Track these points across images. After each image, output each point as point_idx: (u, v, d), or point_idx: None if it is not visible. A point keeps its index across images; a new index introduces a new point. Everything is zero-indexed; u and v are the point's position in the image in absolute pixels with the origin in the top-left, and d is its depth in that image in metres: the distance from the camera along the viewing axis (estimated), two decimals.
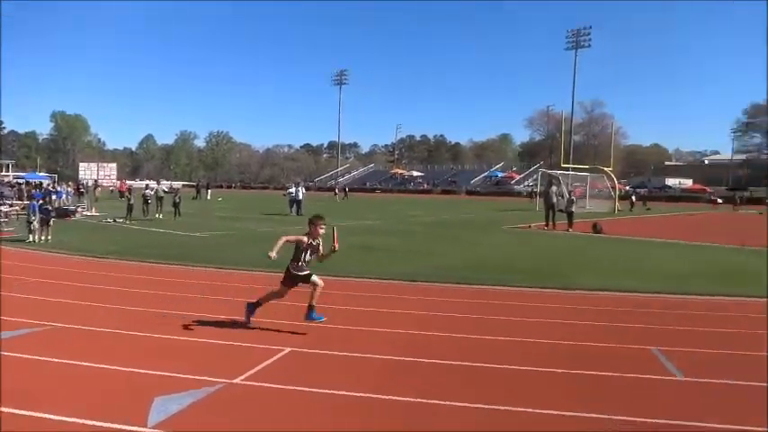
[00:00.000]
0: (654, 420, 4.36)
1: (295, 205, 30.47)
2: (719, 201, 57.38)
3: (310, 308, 6.74)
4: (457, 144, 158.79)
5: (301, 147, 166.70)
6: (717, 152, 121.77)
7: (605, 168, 46.26)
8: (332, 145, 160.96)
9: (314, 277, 6.73)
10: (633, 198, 47.46)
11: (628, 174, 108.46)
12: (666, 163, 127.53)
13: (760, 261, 14.89)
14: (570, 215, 24.15)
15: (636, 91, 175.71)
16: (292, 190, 31.66)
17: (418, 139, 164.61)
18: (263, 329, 6.82)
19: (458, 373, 5.45)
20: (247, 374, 5.19)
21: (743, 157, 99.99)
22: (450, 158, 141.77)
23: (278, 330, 6.81)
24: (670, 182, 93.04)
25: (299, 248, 6.72)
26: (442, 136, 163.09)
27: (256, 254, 12.79)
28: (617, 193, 45.25)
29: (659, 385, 5.28)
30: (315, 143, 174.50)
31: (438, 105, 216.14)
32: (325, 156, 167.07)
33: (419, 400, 4.68)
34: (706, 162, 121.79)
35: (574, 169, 45.98)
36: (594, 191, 46.76)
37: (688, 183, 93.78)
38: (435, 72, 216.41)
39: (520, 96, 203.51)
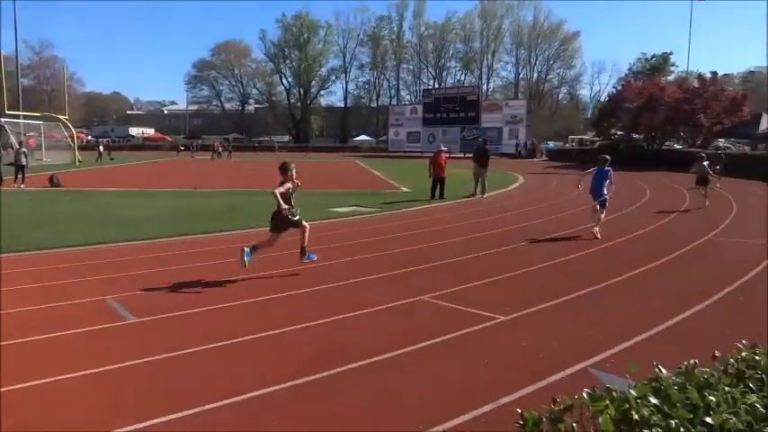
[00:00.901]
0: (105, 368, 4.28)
1: None
2: (182, 148, 61.22)
3: (303, 250, 7.62)
4: None
5: None
6: (175, 102, 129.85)
7: (60, 116, 42.91)
8: None
9: (303, 221, 7.53)
10: (101, 148, 45.72)
11: (91, 122, 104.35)
12: (129, 112, 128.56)
13: (210, 201, 16.81)
14: (21, 168, 21.48)
15: (91, 35, 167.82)
16: None
17: None
18: None
19: None
20: None
21: (196, 107, 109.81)
22: None
23: None
24: (133, 131, 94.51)
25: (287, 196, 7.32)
26: None
27: None
28: (76, 142, 42.92)
29: (114, 331, 5.33)
30: None
31: None
32: None
33: None
34: (165, 112, 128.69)
35: (24, 117, 40.89)
36: (52, 141, 42.99)
37: (150, 131, 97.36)
38: None
39: None
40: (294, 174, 7.44)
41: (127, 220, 12.66)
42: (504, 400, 3.81)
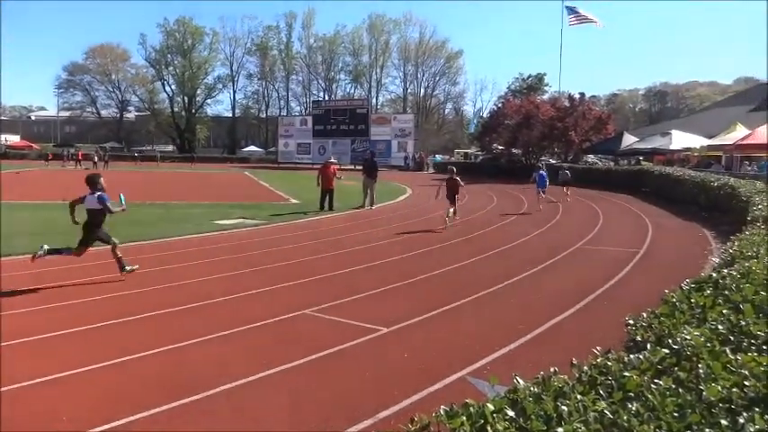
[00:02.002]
0: None
1: None
2: (51, 157, 56.94)
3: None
4: None
5: None
6: (44, 108, 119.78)
7: None
8: None
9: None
10: None
11: None
12: None
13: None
14: None
15: None
16: None
17: None
18: None
19: None
20: None
21: (68, 114, 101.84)
22: None
23: None
24: None
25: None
26: None
27: None
28: None
29: None
30: None
31: None
32: None
33: None
34: (33, 118, 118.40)
35: None
36: None
37: (15, 139, 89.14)
38: None
39: None
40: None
41: None
42: (382, 414, 3.77)
